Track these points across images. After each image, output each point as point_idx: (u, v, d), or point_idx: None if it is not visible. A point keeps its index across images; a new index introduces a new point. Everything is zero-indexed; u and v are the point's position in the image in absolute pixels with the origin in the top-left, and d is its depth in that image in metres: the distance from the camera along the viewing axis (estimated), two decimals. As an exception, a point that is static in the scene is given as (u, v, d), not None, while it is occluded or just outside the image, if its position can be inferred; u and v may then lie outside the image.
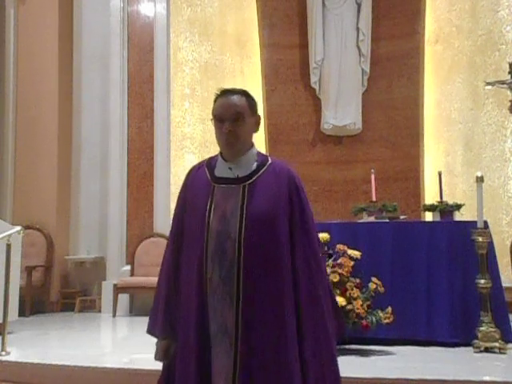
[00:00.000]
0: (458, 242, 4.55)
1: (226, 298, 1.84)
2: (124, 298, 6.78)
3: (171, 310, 1.96)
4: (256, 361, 1.82)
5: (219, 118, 1.93)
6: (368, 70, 7.93)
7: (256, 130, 2.01)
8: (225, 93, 1.97)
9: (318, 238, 2.02)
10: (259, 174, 1.94)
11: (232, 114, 1.92)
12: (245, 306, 1.83)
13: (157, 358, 1.99)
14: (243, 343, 1.82)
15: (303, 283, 1.88)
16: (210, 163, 2.02)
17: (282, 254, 1.87)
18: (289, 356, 1.81)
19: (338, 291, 4.19)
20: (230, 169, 1.94)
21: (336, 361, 1.92)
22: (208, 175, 1.98)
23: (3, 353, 4.28)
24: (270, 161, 1.99)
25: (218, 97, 1.97)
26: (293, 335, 1.83)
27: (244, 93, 1.99)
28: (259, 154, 2.01)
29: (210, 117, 2.00)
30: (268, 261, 1.86)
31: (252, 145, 1.99)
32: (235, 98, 1.94)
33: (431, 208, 5.17)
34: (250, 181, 1.92)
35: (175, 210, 2.06)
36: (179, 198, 2.06)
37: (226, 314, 1.84)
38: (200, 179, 1.99)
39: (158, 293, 2.02)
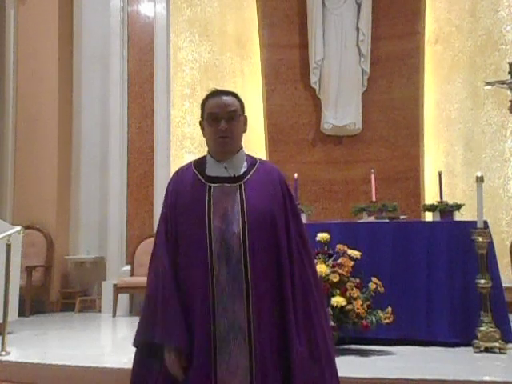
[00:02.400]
0: (458, 241, 4.54)
1: (236, 295, 1.86)
2: (124, 298, 6.77)
3: (176, 315, 1.88)
4: (268, 355, 1.85)
5: (215, 117, 1.97)
6: (368, 70, 7.93)
7: (244, 130, 2.06)
8: (218, 93, 2.02)
9: (307, 234, 2.07)
10: (252, 173, 2.00)
11: (228, 112, 1.97)
12: (255, 301, 1.86)
13: (173, 369, 1.86)
14: (256, 340, 1.85)
15: (297, 276, 1.94)
16: (198, 164, 2.05)
17: (282, 248, 1.93)
18: (293, 350, 1.85)
19: (338, 291, 4.19)
20: (226, 168, 1.98)
21: (329, 345, 1.96)
22: (199, 175, 2.00)
23: (3, 353, 4.27)
24: (258, 161, 2.06)
25: (209, 97, 2.01)
26: (294, 328, 1.88)
27: (234, 94, 2.04)
28: (247, 155, 2.06)
29: None
30: (271, 255, 1.91)
31: (241, 147, 2.04)
32: (229, 99, 2.00)
33: (431, 208, 5.17)
34: (246, 179, 1.97)
35: (163, 212, 2.03)
36: (167, 200, 2.04)
37: (237, 310, 1.86)
38: (189, 180, 2.01)
39: (155, 299, 1.91)
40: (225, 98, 1.99)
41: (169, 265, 1.93)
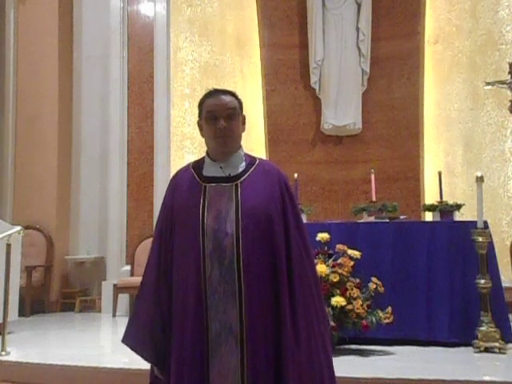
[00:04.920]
0: (458, 241, 4.54)
1: (229, 296, 1.84)
2: (124, 298, 6.77)
3: (157, 323, 1.96)
4: (260, 358, 1.82)
5: (213, 116, 1.96)
6: (368, 70, 7.92)
7: (243, 129, 2.05)
8: (216, 92, 2.01)
9: (308, 234, 2.05)
10: (249, 172, 1.98)
11: (226, 110, 1.96)
12: (247, 302, 1.83)
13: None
14: (248, 341, 1.82)
15: (297, 277, 1.91)
16: (196, 165, 2.04)
17: (278, 249, 1.90)
18: (288, 350, 1.83)
19: (338, 291, 4.19)
20: (221, 168, 1.96)
21: (328, 346, 1.95)
22: (196, 176, 2.00)
23: (3, 353, 4.28)
24: (257, 161, 2.04)
25: (207, 97, 2.01)
26: (290, 327, 1.85)
27: (233, 93, 2.03)
28: (246, 155, 2.05)
29: None
30: (266, 255, 1.88)
31: (240, 146, 2.03)
32: (227, 98, 1.99)
33: (431, 208, 5.17)
34: (242, 179, 1.95)
35: (160, 213, 2.05)
36: (165, 201, 2.05)
37: (229, 311, 1.84)
38: (187, 181, 2.00)
39: (141, 302, 2.03)
40: (223, 96, 1.98)
41: (157, 270, 1.99)
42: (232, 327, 1.83)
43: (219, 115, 1.95)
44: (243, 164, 1.99)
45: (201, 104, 2.03)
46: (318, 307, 1.94)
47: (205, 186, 1.95)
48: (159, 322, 1.94)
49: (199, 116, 2.04)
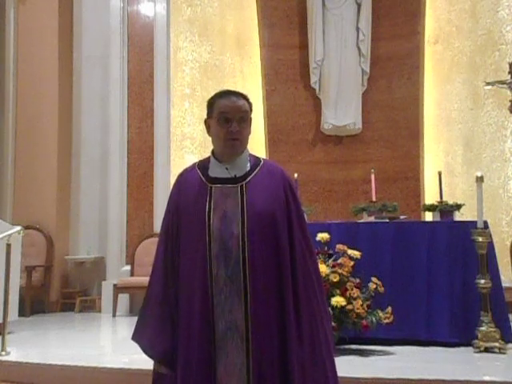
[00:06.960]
0: (458, 241, 4.55)
1: (234, 296, 1.87)
2: (124, 298, 6.78)
3: (159, 330, 1.96)
4: (265, 356, 1.85)
5: (226, 118, 1.96)
6: (368, 70, 7.92)
7: (249, 131, 2.05)
8: (229, 94, 2.01)
9: (310, 236, 2.08)
10: (254, 173, 1.99)
11: (240, 113, 1.97)
12: (253, 302, 1.86)
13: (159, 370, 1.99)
14: (254, 340, 1.85)
15: (301, 277, 1.94)
16: (201, 165, 2.05)
17: (283, 249, 1.92)
18: (292, 348, 1.85)
19: (338, 291, 4.19)
20: (227, 169, 1.97)
21: (330, 344, 1.97)
22: (202, 177, 2.00)
23: (3, 353, 4.28)
24: (262, 161, 2.05)
25: (219, 97, 2.00)
26: (293, 325, 1.88)
27: (245, 96, 2.04)
28: (251, 155, 2.06)
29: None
30: (270, 256, 1.90)
31: (245, 147, 2.04)
32: (240, 101, 1.99)
33: (431, 208, 5.17)
34: (247, 180, 1.97)
35: (166, 212, 2.06)
36: (171, 201, 2.05)
37: (234, 311, 1.86)
38: (193, 181, 2.01)
39: (150, 300, 2.01)
40: (236, 99, 1.99)
41: (164, 269, 1.99)
42: (238, 326, 1.86)
43: (232, 117, 1.95)
44: (248, 165, 2.01)
45: (212, 103, 2.01)
46: (320, 305, 1.97)
47: (210, 187, 1.96)
48: (168, 320, 1.95)
49: (208, 115, 2.03)
